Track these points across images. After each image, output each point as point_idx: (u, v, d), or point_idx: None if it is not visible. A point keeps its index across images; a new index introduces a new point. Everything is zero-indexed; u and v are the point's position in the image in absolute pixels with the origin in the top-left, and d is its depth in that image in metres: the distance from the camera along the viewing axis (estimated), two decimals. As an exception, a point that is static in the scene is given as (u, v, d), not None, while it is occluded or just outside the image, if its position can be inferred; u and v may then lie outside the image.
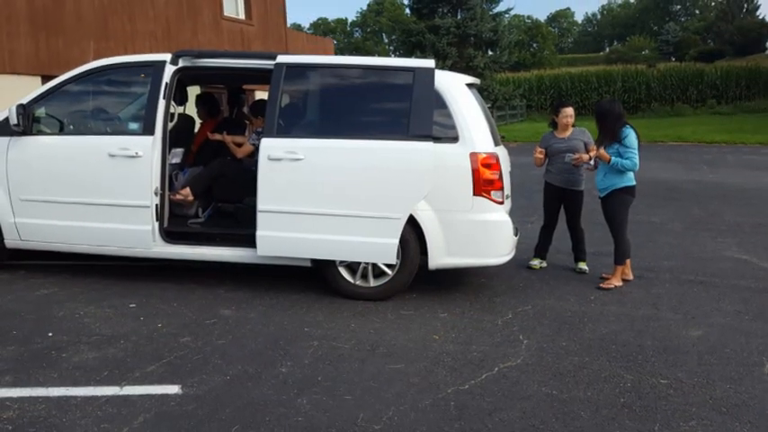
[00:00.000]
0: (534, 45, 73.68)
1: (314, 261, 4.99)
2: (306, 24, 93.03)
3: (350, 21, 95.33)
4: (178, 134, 5.90)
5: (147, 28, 13.89)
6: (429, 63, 4.93)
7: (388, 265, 4.90)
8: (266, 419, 3.16)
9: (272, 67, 5.02)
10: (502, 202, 4.92)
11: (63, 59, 11.60)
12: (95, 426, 3.08)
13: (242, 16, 17.23)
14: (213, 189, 5.84)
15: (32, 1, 11.55)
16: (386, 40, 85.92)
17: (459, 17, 26.30)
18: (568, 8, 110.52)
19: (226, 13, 16.40)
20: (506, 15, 29.50)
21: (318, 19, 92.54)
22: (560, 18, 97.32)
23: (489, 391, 3.51)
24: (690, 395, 3.47)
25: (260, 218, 4.88)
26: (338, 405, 3.32)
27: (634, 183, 5.43)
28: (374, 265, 4.93)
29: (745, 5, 64.02)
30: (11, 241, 5.45)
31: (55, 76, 5.60)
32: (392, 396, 3.43)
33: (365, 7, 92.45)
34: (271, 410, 3.25)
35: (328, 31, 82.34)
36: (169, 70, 5.15)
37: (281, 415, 3.21)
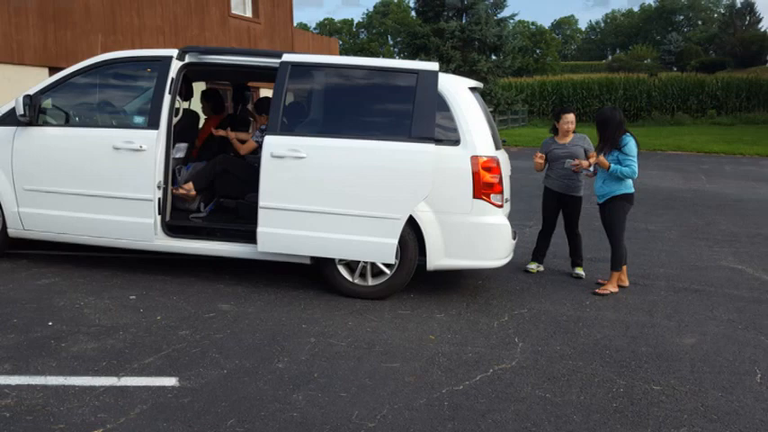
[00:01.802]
0: (537, 51, 73.72)
1: (313, 258, 5.02)
2: (312, 24, 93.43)
3: (356, 22, 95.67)
4: (182, 129, 5.93)
5: (155, 23, 13.95)
6: (433, 66, 4.97)
7: (387, 265, 4.94)
8: (261, 414, 3.19)
9: (277, 65, 5.06)
10: (501, 206, 4.96)
11: (71, 52, 11.66)
12: (92, 415, 3.11)
13: (249, 14, 17.27)
14: (216, 184, 5.87)
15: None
16: (391, 42, 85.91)
17: (464, 21, 26.29)
18: (572, 15, 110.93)
19: (233, 11, 16.45)
20: (511, 21, 29.53)
21: (324, 19, 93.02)
22: (564, 25, 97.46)
23: (483, 392, 3.54)
24: (681, 402, 3.51)
25: (261, 214, 4.91)
26: (333, 402, 3.36)
27: (632, 190, 5.48)
28: (373, 265, 4.97)
29: (748, 18, 64.13)
30: (14, 230, 5.48)
31: (62, 68, 5.65)
32: (387, 394, 3.46)
33: (371, 9, 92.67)
34: (266, 405, 3.29)
35: (334, 32, 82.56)
36: (175, 65, 5.19)
37: (276, 410, 3.24)
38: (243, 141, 5.91)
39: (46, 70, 11.31)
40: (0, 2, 10.91)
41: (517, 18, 32.15)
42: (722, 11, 75.25)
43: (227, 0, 16.19)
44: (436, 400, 3.42)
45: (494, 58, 27.27)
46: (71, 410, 3.15)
